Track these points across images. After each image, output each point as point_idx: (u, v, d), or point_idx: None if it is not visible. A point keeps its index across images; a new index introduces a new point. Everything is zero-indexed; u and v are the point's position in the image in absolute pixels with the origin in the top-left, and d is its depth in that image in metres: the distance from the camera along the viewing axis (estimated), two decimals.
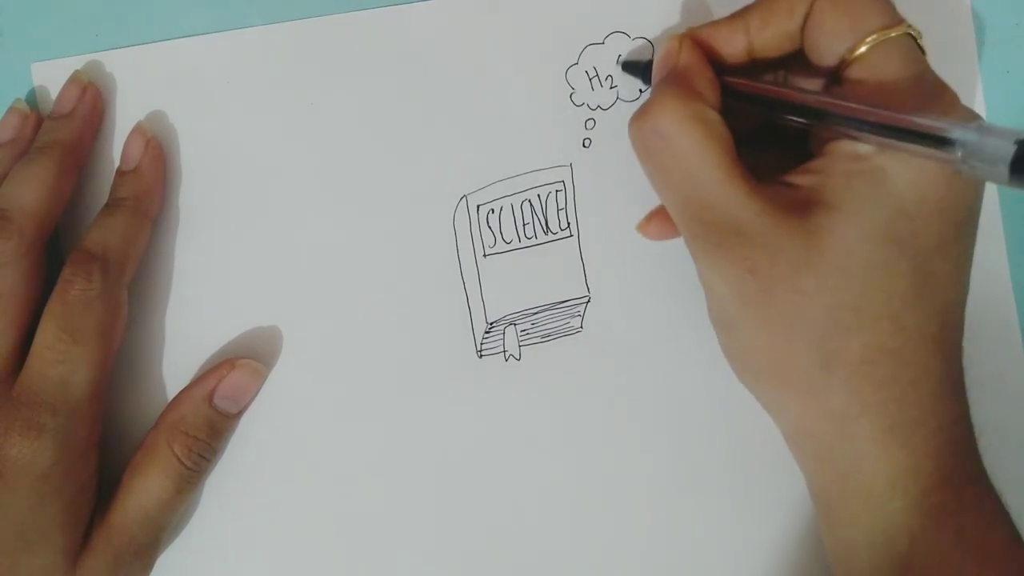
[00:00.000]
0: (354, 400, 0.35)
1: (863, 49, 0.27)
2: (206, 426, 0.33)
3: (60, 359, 0.30)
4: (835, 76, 0.28)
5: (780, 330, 0.26)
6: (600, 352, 0.35)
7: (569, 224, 0.35)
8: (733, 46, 0.29)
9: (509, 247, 0.35)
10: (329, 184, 0.35)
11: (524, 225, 0.35)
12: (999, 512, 0.28)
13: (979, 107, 0.35)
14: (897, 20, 0.27)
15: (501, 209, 0.35)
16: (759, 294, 0.26)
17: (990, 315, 0.35)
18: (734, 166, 0.27)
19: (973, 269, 0.34)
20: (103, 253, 0.31)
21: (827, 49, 0.28)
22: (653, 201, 0.34)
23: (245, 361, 0.34)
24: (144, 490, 0.32)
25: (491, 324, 0.35)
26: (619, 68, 0.34)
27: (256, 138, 0.35)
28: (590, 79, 0.35)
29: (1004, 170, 0.21)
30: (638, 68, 0.33)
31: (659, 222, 0.33)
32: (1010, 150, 0.20)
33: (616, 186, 0.35)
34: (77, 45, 0.35)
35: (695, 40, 0.30)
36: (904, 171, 0.26)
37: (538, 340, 0.35)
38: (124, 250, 0.32)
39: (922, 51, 0.28)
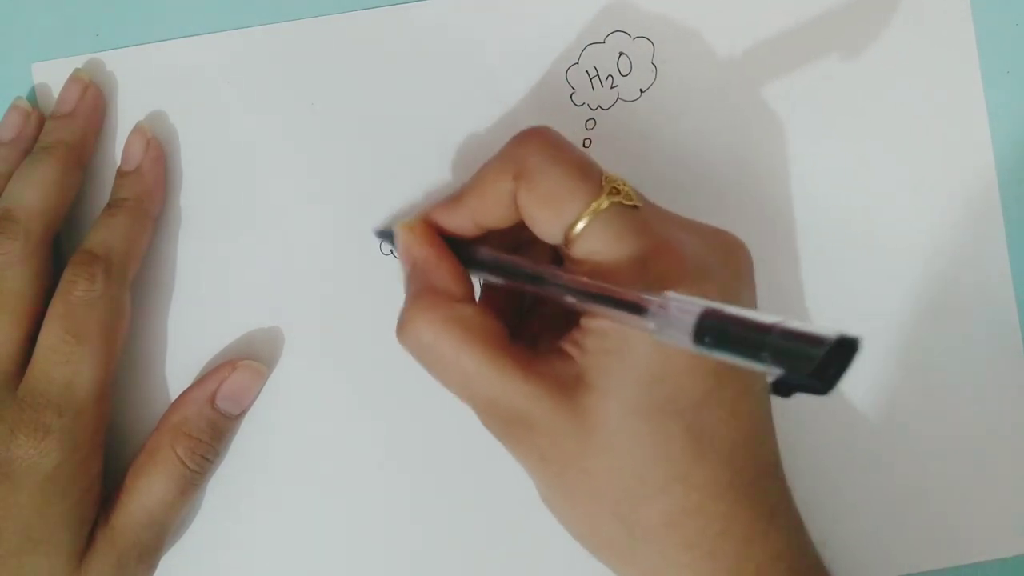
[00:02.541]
0: (356, 400, 0.35)
1: (577, 230, 0.27)
2: (208, 427, 0.33)
3: (64, 360, 0.30)
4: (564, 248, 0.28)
5: (583, 506, 0.27)
6: None
7: None
8: (463, 228, 0.30)
9: None
10: (330, 184, 0.35)
11: None
12: None
13: (980, 108, 0.34)
14: (597, 190, 0.27)
15: None
16: (555, 478, 0.27)
17: (990, 315, 0.35)
18: (503, 355, 0.27)
19: (974, 269, 0.35)
20: (105, 254, 0.32)
21: (545, 235, 0.28)
22: (653, 201, 0.34)
23: (246, 362, 0.34)
24: (147, 492, 0.32)
25: None
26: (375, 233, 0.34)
27: (256, 138, 0.35)
28: (590, 79, 0.35)
29: (688, 339, 0.21)
30: (387, 236, 0.33)
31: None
32: (691, 321, 0.21)
33: None
34: (77, 45, 0.35)
35: (429, 223, 0.30)
36: (645, 340, 0.25)
37: None
38: (126, 250, 0.32)
39: (633, 206, 0.27)
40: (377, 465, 0.35)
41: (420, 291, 0.29)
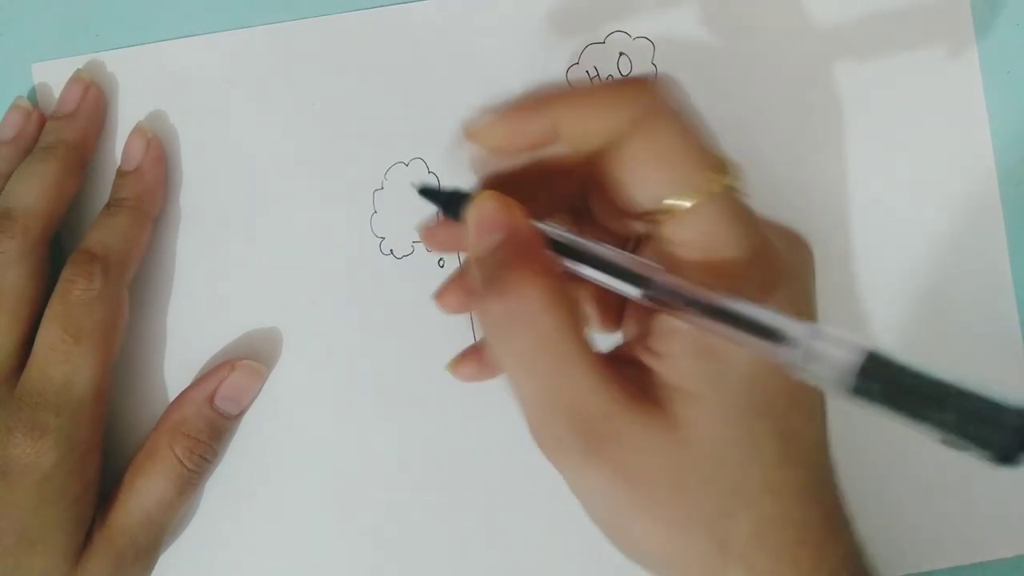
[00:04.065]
0: (354, 400, 0.35)
1: (685, 205, 0.24)
2: (207, 427, 0.33)
3: (63, 359, 0.30)
4: (642, 221, 0.25)
5: (670, 525, 0.24)
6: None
7: None
8: (532, 135, 0.26)
9: None
10: (329, 184, 0.35)
11: None
12: None
13: (980, 107, 0.34)
14: (719, 166, 0.24)
15: None
16: (642, 498, 0.24)
17: (990, 315, 0.35)
18: (595, 354, 0.24)
19: (974, 269, 0.35)
20: (104, 253, 0.32)
21: (636, 197, 0.25)
22: None
23: (245, 362, 0.34)
24: (145, 491, 0.32)
25: None
26: (415, 190, 0.29)
27: (257, 138, 0.35)
28: (591, 79, 0.35)
29: (840, 382, 0.19)
30: (438, 198, 0.29)
31: (475, 362, 0.31)
32: (846, 362, 0.19)
33: None
34: (78, 45, 0.35)
35: (503, 133, 0.26)
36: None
37: None
38: (125, 250, 0.32)
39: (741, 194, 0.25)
40: (376, 465, 0.35)
41: (529, 255, 0.25)
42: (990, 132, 0.34)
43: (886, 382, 0.18)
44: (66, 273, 0.31)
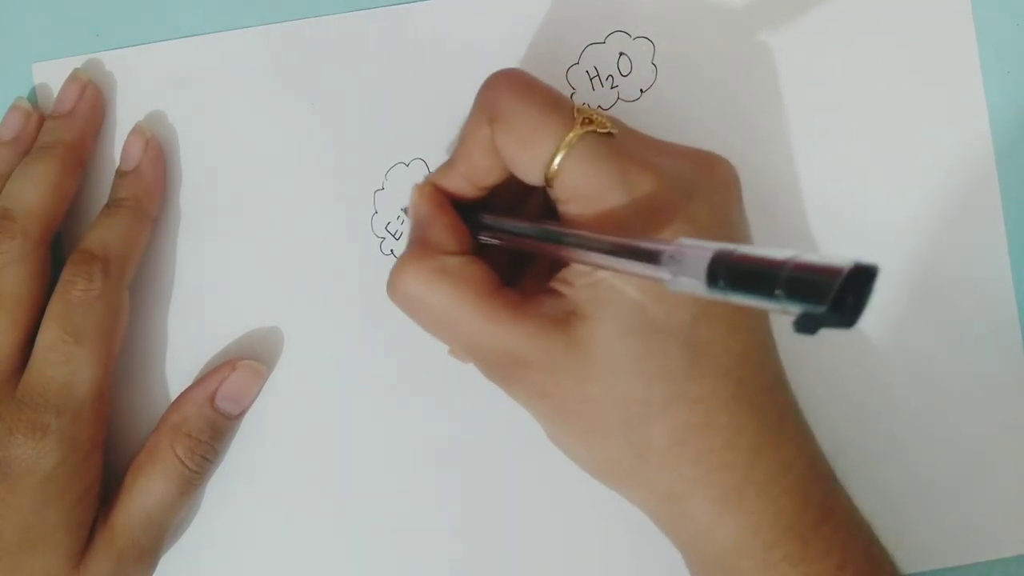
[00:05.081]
0: (355, 400, 0.35)
1: (555, 165, 0.26)
2: (208, 427, 0.33)
3: (63, 360, 0.30)
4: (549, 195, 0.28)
5: (588, 437, 0.28)
6: None
7: None
8: (463, 189, 0.30)
9: None
10: (329, 184, 0.35)
11: None
12: (852, 547, 0.28)
13: (980, 107, 0.34)
14: (569, 122, 0.26)
15: None
16: (558, 411, 0.28)
17: (990, 315, 0.35)
18: (493, 301, 0.27)
19: (974, 269, 0.35)
20: (104, 253, 0.32)
21: (528, 178, 0.28)
22: None
23: (246, 362, 0.34)
24: (147, 492, 0.32)
25: None
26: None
27: (256, 138, 0.35)
28: (591, 79, 0.35)
29: (701, 285, 0.21)
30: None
31: None
32: (703, 266, 0.20)
33: None
34: (77, 45, 0.35)
35: (435, 186, 0.30)
36: None
37: None
38: (125, 250, 0.32)
39: (609, 133, 0.27)
40: (376, 465, 0.35)
41: (411, 246, 0.29)
42: (990, 132, 0.34)
43: (731, 273, 0.20)
44: (66, 274, 0.31)
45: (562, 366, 0.27)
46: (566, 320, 0.27)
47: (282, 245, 0.35)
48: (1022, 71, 0.35)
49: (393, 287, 0.29)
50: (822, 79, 0.34)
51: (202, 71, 0.35)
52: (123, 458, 0.33)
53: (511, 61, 0.34)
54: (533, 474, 0.35)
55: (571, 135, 0.26)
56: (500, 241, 0.29)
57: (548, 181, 0.27)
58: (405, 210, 0.34)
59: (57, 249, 0.34)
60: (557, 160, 0.26)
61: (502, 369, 0.28)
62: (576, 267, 0.27)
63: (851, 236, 0.35)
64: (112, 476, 0.33)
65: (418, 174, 0.35)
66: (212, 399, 0.33)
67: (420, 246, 0.28)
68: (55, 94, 0.35)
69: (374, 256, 0.35)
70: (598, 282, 0.26)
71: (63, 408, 0.30)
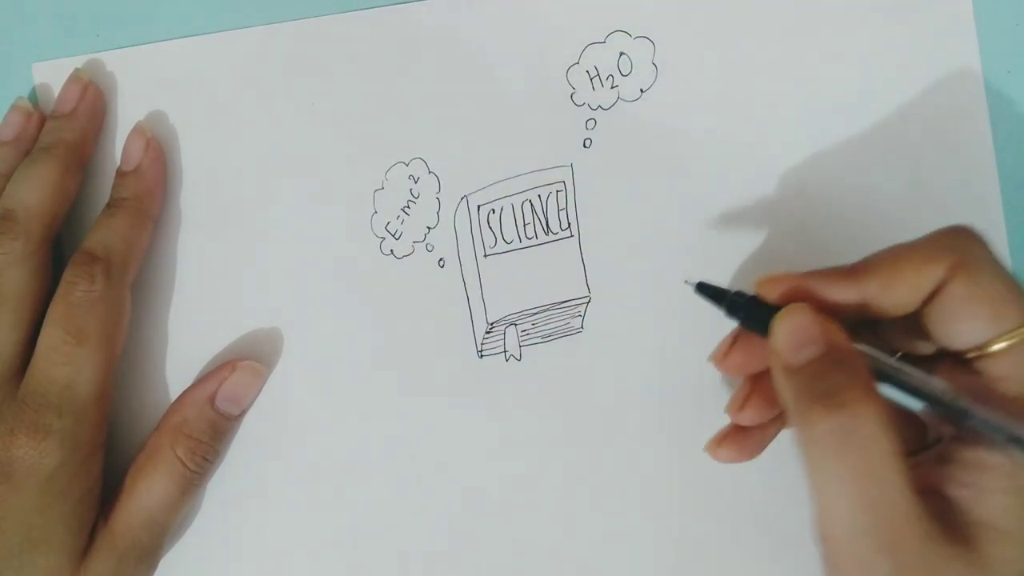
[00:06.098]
0: (355, 400, 0.35)
1: (1003, 345, 0.25)
2: (208, 428, 0.33)
3: (65, 361, 0.30)
4: (958, 358, 0.26)
5: None
6: (600, 352, 0.35)
7: (570, 224, 0.35)
8: (845, 305, 0.27)
9: (510, 247, 0.35)
10: (330, 184, 0.35)
11: (525, 225, 0.35)
12: None
13: (981, 107, 0.34)
14: None
15: (502, 209, 0.35)
16: None
17: None
18: (911, 479, 0.24)
19: None
20: (105, 254, 0.32)
21: (956, 335, 0.26)
22: (653, 202, 0.34)
23: (246, 363, 0.34)
24: (147, 493, 0.32)
25: (492, 324, 0.35)
26: (691, 286, 0.30)
27: (256, 138, 0.35)
28: (591, 79, 0.34)
29: None
30: (721, 298, 0.29)
31: (735, 445, 0.31)
32: None
33: (617, 186, 0.34)
34: (78, 45, 0.35)
35: (800, 291, 0.27)
36: None
37: (539, 340, 0.35)
38: (126, 251, 0.32)
39: None
40: (376, 465, 0.35)
41: (858, 378, 0.25)
42: (991, 132, 0.34)
43: None
44: (67, 275, 0.31)
45: None
46: (967, 528, 0.24)
47: (282, 245, 0.35)
48: (1023, 71, 0.34)
49: (841, 411, 0.24)
50: (823, 79, 0.34)
51: (202, 71, 0.35)
52: (124, 459, 0.33)
53: (511, 61, 0.34)
54: (533, 476, 0.35)
55: None
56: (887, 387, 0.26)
57: (976, 351, 0.25)
58: (700, 286, 0.29)
59: (58, 249, 0.34)
60: (1008, 341, 0.25)
61: (894, 564, 0.23)
62: (989, 470, 0.24)
63: (852, 236, 0.35)
64: (113, 477, 0.33)
65: (417, 173, 0.35)
66: (212, 400, 0.33)
67: (869, 382, 0.25)
68: (55, 94, 0.35)
69: (374, 256, 0.35)
70: (1015, 491, 0.24)
71: (65, 409, 0.30)
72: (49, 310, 0.31)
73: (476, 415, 0.35)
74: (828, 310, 0.27)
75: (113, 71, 0.35)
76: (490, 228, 0.35)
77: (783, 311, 0.27)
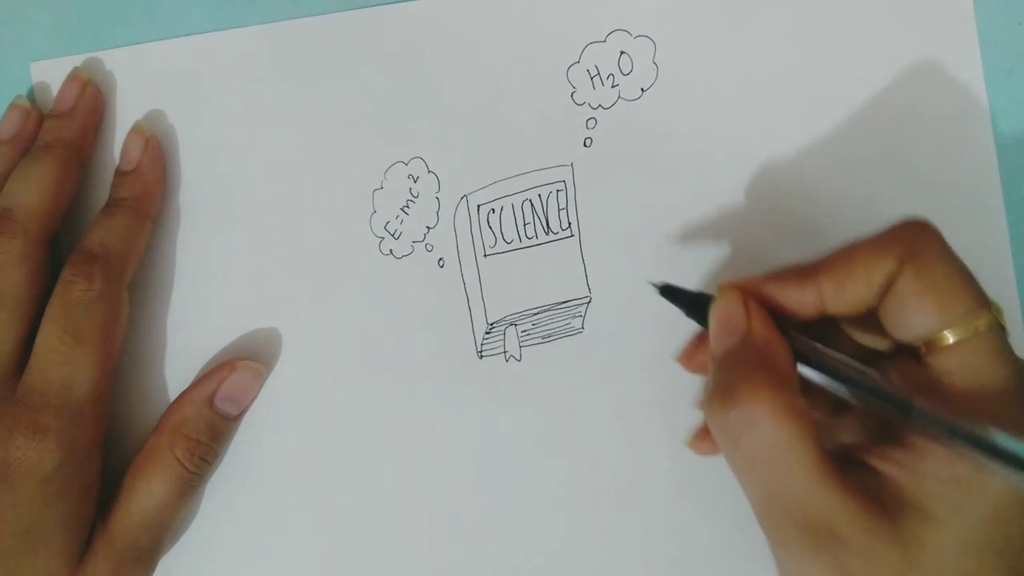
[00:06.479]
0: (355, 401, 0.35)
1: (950, 338, 0.25)
2: (207, 429, 0.33)
3: (62, 360, 0.30)
4: (911, 351, 0.27)
5: None
6: (600, 352, 0.35)
7: (570, 224, 0.35)
8: (801, 305, 0.27)
9: (510, 247, 0.35)
10: (329, 184, 0.35)
11: (525, 225, 0.35)
12: None
13: (982, 107, 0.34)
14: (984, 303, 0.25)
15: (502, 209, 0.35)
16: None
17: None
18: (825, 461, 0.25)
19: (975, 269, 0.34)
20: (104, 253, 0.32)
21: (906, 328, 0.26)
22: (654, 203, 0.34)
23: (245, 363, 0.34)
24: (146, 493, 0.32)
25: (492, 324, 0.35)
26: (654, 288, 0.31)
27: (256, 137, 0.35)
28: (591, 78, 0.34)
29: None
30: (683, 299, 0.30)
31: (712, 441, 0.31)
32: None
33: (617, 186, 0.34)
34: (77, 44, 0.35)
35: (756, 294, 0.28)
36: (999, 479, 0.24)
37: (539, 340, 0.35)
38: (124, 250, 0.32)
39: (1005, 331, 0.26)
40: (376, 466, 0.35)
41: (759, 369, 0.26)
42: (992, 132, 0.34)
43: None
44: (65, 274, 0.31)
45: (881, 557, 0.24)
46: (896, 508, 0.25)
47: (281, 245, 0.35)
48: (1023, 71, 0.34)
49: (731, 407, 0.25)
50: (823, 78, 0.34)
51: (202, 71, 0.35)
52: (123, 459, 0.33)
53: (511, 61, 0.34)
54: (533, 476, 0.35)
55: (985, 316, 0.25)
56: (823, 379, 0.27)
57: (926, 345, 0.26)
58: (664, 290, 0.30)
59: (57, 249, 0.34)
60: (957, 334, 0.25)
61: (809, 534, 0.25)
62: (925, 455, 0.25)
63: (852, 236, 0.34)
64: (112, 477, 0.33)
65: (417, 172, 0.35)
66: (211, 400, 0.33)
67: (770, 374, 0.26)
68: (54, 93, 0.35)
69: (373, 255, 0.35)
70: (950, 481, 0.25)
71: (63, 409, 0.30)
72: (47, 309, 0.31)
73: (476, 415, 0.35)
74: (789, 311, 0.27)
75: (112, 70, 0.35)
76: (490, 228, 0.35)
77: (715, 301, 0.28)
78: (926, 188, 0.35)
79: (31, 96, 0.35)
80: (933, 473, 0.25)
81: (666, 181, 0.34)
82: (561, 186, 0.35)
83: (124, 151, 0.34)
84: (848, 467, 0.25)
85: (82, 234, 0.32)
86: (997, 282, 0.35)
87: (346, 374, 0.35)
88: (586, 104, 0.34)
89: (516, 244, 0.35)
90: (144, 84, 0.35)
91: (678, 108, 0.34)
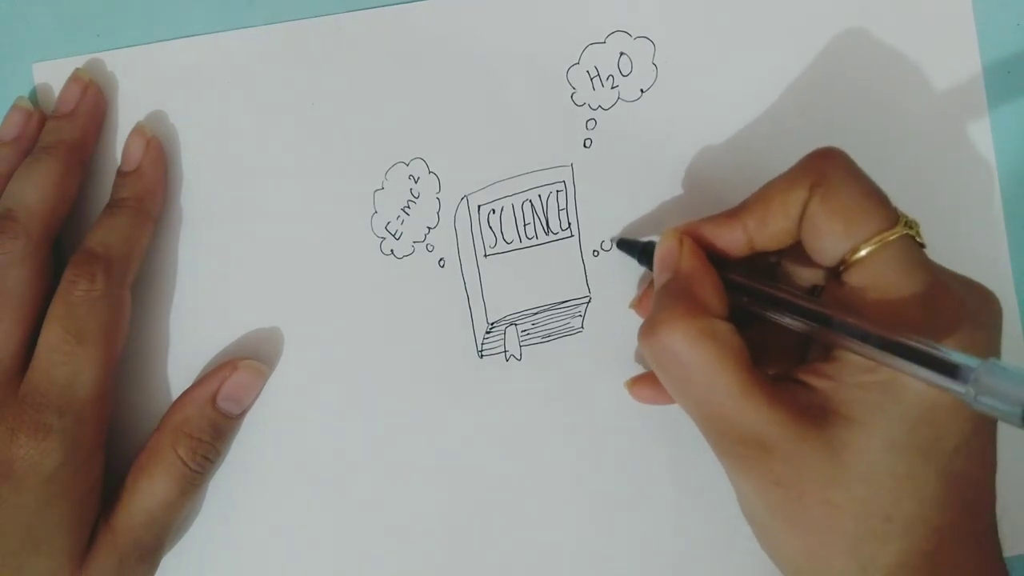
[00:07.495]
0: (355, 400, 0.35)
1: (861, 253, 0.26)
2: (209, 428, 0.33)
3: (65, 360, 0.30)
4: (835, 273, 0.28)
5: (814, 536, 0.26)
6: (600, 352, 0.35)
7: (570, 224, 0.35)
8: (733, 243, 0.29)
9: (510, 247, 0.35)
10: (330, 184, 0.35)
11: (525, 225, 0.35)
12: None
13: (982, 108, 0.34)
14: (893, 219, 0.27)
15: (502, 209, 0.35)
16: (788, 504, 0.26)
17: None
18: (750, 378, 0.26)
19: (974, 269, 0.34)
20: (106, 253, 0.32)
21: (823, 251, 0.27)
22: (654, 202, 0.34)
23: (247, 362, 0.34)
24: (149, 492, 0.32)
25: (492, 324, 0.35)
26: (612, 244, 0.34)
27: (257, 138, 0.35)
28: (591, 79, 0.34)
29: (1018, 413, 0.21)
30: (634, 248, 0.33)
31: (650, 387, 0.33)
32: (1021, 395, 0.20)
33: (617, 186, 0.35)
34: (78, 45, 0.35)
35: (694, 236, 0.29)
36: (917, 381, 0.25)
37: (539, 340, 0.35)
38: (127, 250, 0.32)
39: (921, 244, 0.27)
40: (377, 465, 0.35)
41: (678, 299, 0.28)
42: (991, 132, 0.34)
43: None
44: (68, 274, 0.31)
45: (809, 463, 0.26)
46: (823, 416, 0.26)
47: (282, 245, 0.35)
48: (1023, 71, 0.34)
49: (654, 336, 0.27)
50: (822, 78, 0.34)
51: (203, 71, 0.35)
52: (125, 458, 0.33)
53: (511, 61, 0.34)
54: (534, 475, 0.35)
55: (894, 231, 0.26)
56: (749, 308, 0.29)
57: (842, 264, 0.27)
58: (619, 243, 0.34)
59: (59, 249, 0.34)
60: (866, 249, 0.26)
61: (740, 447, 0.27)
62: (846, 364, 0.26)
63: None
64: (114, 476, 0.33)
65: (418, 173, 0.35)
66: (213, 399, 0.33)
67: (689, 302, 0.27)
68: (56, 94, 0.35)
69: (374, 256, 0.35)
70: (871, 386, 0.26)
71: (65, 408, 0.30)
72: (49, 309, 0.31)
73: (476, 415, 0.35)
74: (723, 250, 0.29)
75: (113, 71, 0.35)
76: (490, 228, 0.35)
77: (658, 243, 0.30)
78: (925, 188, 0.35)
79: (33, 97, 0.35)
80: (855, 381, 0.26)
81: (666, 181, 0.34)
82: (561, 186, 0.35)
83: (126, 152, 0.34)
84: (781, 385, 0.27)
85: (84, 234, 0.33)
86: (995, 282, 0.35)
87: (347, 374, 0.35)
88: (586, 105, 0.35)
89: (516, 244, 0.35)
90: (145, 85, 0.35)
91: (677, 109, 0.34)
